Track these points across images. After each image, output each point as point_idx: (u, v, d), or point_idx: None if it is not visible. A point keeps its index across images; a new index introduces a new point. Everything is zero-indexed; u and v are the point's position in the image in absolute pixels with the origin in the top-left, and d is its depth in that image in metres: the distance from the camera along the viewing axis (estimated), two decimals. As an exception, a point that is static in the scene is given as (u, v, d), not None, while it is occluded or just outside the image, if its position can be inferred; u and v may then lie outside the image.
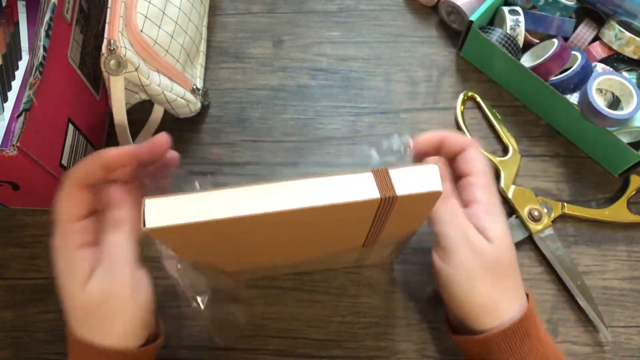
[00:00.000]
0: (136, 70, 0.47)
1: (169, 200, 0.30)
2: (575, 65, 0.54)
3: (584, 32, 0.57)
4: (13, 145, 0.40)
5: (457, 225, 0.38)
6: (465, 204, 0.40)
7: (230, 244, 0.35)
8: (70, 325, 0.36)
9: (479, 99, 0.58)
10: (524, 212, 0.53)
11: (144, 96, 0.55)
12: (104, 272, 0.35)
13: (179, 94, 0.52)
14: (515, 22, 0.56)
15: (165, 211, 0.30)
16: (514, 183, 0.54)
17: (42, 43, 0.43)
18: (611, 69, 0.56)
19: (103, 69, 0.45)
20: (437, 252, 0.39)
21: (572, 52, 0.55)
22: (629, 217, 0.53)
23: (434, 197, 0.31)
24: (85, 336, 0.35)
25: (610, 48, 0.56)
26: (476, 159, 0.40)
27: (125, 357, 0.36)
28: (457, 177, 0.41)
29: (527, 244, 0.53)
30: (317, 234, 0.36)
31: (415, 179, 0.30)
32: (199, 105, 0.55)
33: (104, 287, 0.35)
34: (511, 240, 0.39)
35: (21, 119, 0.40)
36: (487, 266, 0.37)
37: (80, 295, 0.35)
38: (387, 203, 0.31)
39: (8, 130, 0.48)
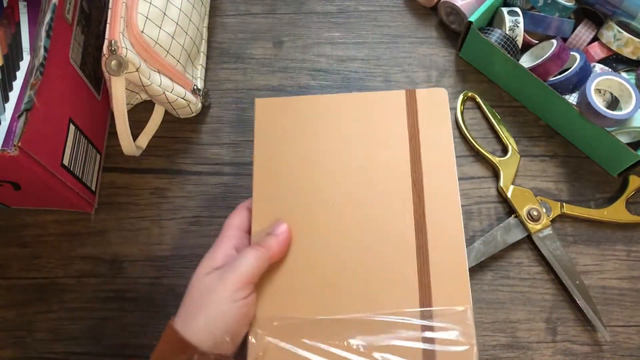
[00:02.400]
0: (137, 70, 0.47)
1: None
2: (574, 66, 0.54)
3: (583, 32, 0.57)
4: (14, 145, 0.40)
5: None
6: None
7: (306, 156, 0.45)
8: (177, 311, 0.40)
9: (478, 99, 0.58)
10: (523, 212, 0.53)
11: (144, 96, 0.55)
12: (223, 270, 0.39)
13: (179, 94, 0.52)
14: (514, 23, 0.56)
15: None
16: (513, 183, 0.54)
17: (42, 43, 0.43)
18: (610, 70, 0.56)
19: (104, 70, 0.46)
20: None
21: (571, 53, 0.55)
22: (628, 217, 0.54)
23: (442, 94, 0.46)
24: (178, 323, 0.38)
25: (609, 48, 0.56)
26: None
27: (194, 353, 0.37)
28: None
29: (526, 243, 0.53)
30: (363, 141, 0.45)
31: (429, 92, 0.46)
32: (199, 105, 0.56)
33: (216, 281, 0.38)
34: None
35: (22, 119, 0.40)
36: None
37: (201, 278, 0.39)
38: (411, 98, 0.46)
39: (9, 131, 0.48)
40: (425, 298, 0.40)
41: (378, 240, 0.42)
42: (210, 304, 0.38)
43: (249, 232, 0.43)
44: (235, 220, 0.43)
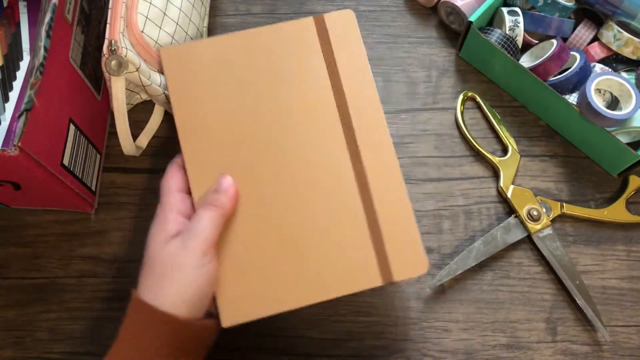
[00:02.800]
0: (137, 70, 0.47)
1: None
2: (574, 66, 0.54)
3: (583, 32, 0.57)
4: (14, 145, 0.40)
5: None
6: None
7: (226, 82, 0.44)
8: (138, 284, 0.39)
9: (478, 99, 0.58)
10: (523, 212, 0.53)
11: (144, 96, 0.55)
12: (182, 238, 0.39)
13: (179, 94, 0.52)
14: (514, 23, 0.56)
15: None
16: (513, 183, 0.54)
17: (42, 43, 0.43)
18: (610, 70, 0.56)
19: (104, 70, 0.46)
20: None
21: (571, 53, 0.55)
22: (628, 217, 0.54)
23: (349, 15, 0.46)
24: (145, 296, 0.38)
25: (609, 48, 0.56)
26: None
27: (173, 323, 0.37)
28: None
29: (526, 243, 0.53)
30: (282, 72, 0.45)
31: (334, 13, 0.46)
32: (199, 105, 0.56)
33: (178, 250, 0.38)
34: None
35: (22, 119, 0.40)
36: None
37: (160, 249, 0.39)
38: (320, 24, 0.46)
39: (9, 130, 0.48)
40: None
41: (318, 178, 0.43)
42: (178, 273, 0.38)
43: (188, 192, 0.42)
44: (172, 183, 0.42)
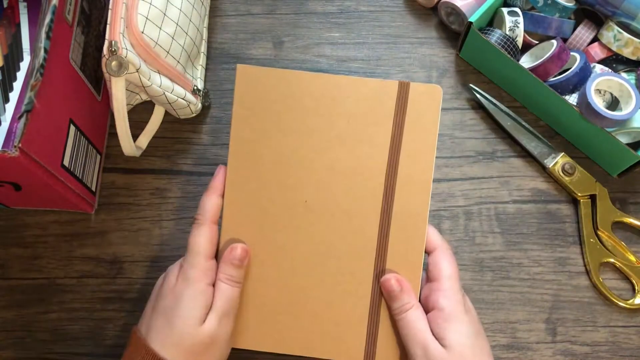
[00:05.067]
0: (137, 71, 0.47)
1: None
2: (574, 66, 0.54)
3: (583, 33, 0.57)
4: (15, 146, 0.40)
5: (416, 341, 0.40)
6: (429, 309, 0.42)
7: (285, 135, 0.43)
8: (149, 328, 0.40)
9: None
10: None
11: (144, 97, 0.55)
12: (218, 320, 0.40)
13: (179, 94, 0.52)
14: (514, 23, 0.56)
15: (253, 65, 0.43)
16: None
17: (42, 44, 0.43)
18: (610, 70, 0.56)
19: (104, 70, 0.46)
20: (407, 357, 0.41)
21: (571, 53, 0.55)
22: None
23: (436, 92, 0.43)
24: (158, 347, 0.39)
25: (609, 49, 0.56)
26: (442, 263, 0.42)
27: None
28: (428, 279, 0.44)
29: (526, 243, 0.53)
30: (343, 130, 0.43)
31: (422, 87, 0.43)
32: (199, 106, 0.56)
33: (216, 333, 0.40)
34: (475, 344, 0.40)
35: (22, 120, 0.40)
36: None
37: (194, 330, 0.39)
38: (403, 91, 0.43)
39: (10, 131, 0.48)
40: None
41: (341, 247, 0.43)
42: (215, 350, 0.41)
43: (214, 256, 0.43)
44: (205, 246, 0.42)
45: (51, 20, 0.44)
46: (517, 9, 0.57)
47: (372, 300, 0.43)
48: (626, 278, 0.52)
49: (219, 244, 0.43)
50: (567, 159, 0.55)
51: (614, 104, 0.54)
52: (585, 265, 0.53)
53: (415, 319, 0.41)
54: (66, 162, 0.48)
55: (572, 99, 0.55)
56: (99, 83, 0.55)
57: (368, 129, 0.43)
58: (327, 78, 0.43)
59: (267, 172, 0.43)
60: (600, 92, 0.55)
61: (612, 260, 0.52)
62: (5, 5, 0.52)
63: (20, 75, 0.50)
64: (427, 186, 0.43)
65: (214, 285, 0.41)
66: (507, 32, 0.56)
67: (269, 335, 0.43)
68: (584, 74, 0.54)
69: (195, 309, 0.40)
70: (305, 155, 0.43)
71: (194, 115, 0.56)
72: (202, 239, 0.41)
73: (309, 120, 0.43)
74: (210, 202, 0.42)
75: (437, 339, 0.40)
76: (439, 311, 0.40)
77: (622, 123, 0.51)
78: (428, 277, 0.43)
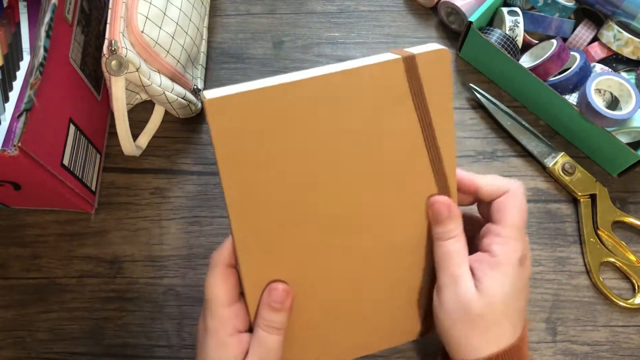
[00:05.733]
0: (137, 70, 0.47)
1: (226, 89, 0.34)
2: (574, 66, 0.54)
3: (583, 32, 0.57)
4: (14, 145, 0.40)
5: (449, 271, 0.37)
6: (481, 249, 0.39)
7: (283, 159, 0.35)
8: None
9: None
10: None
11: (144, 96, 0.55)
12: None
13: (179, 94, 0.52)
14: (514, 23, 0.56)
15: (221, 91, 0.33)
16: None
17: (42, 43, 0.43)
18: (610, 70, 0.56)
19: (104, 70, 0.46)
20: (435, 286, 0.39)
21: (571, 53, 0.55)
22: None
23: (445, 55, 0.37)
24: None
25: (609, 49, 0.56)
26: (509, 208, 0.38)
27: None
28: (488, 220, 0.40)
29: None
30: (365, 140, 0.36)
31: (425, 47, 0.37)
32: (199, 105, 0.56)
33: None
34: (511, 302, 0.37)
35: (22, 119, 0.40)
36: (469, 317, 0.36)
37: None
38: (411, 65, 0.35)
39: (9, 130, 0.48)
40: None
41: (387, 269, 0.39)
42: None
43: (240, 295, 0.38)
44: (221, 294, 0.37)
45: (51, 19, 0.44)
46: (517, 9, 0.57)
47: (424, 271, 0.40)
48: (626, 278, 0.52)
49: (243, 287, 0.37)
50: (567, 158, 0.55)
51: (614, 103, 0.54)
52: (585, 265, 0.53)
53: (454, 250, 0.37)
54: (66, 162, 0.48)
55: (572, 98, 0.55)
56: (99, 82, 0.55)
57: (384, 120, 0.36)
58: (315, 81, 0.34)
59: (275, 205, 0.35)
60: (600, 92, 0.55)
61: (612, 259, 0.52)
62: (5, 4, 0.52)
63: (20, 75, 0.50)
64: (454, 154, 0.38)
65: (243, 331, 0.37)
66: (507, 32, 0.56)
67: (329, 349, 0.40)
68: (584, 74, 0.54)
69: (224, 354, 0.36)
70: (318, 173, 0.35)
71: (194, 114, 0.56)
72: (218, 287, 0.36)
73: (309, 134, 0.35)
74: (222, 247, 0.38)
75: (474, 278, 0.37)
76: (489, 255, 0.37)
77: (622, 122, 0.51)
78: (492, 217, 0.39)
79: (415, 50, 0.36)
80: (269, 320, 0.36)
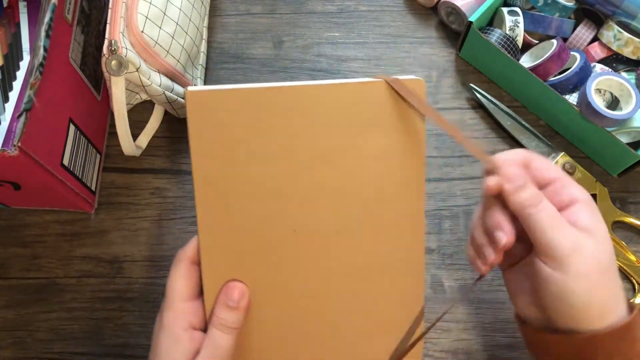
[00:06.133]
0: (137, 70, 0.47)
1: (212, 86, 0.35)
2: (574, 66, 0.54)
3: (583, 32, 0.57)
4: (14, 145, 0.40)
5: (564, 231, 0.34)
6: (562, 206, 0.36)
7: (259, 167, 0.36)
8: None
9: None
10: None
11: (144, 96, 0.55)
12: None
13: (179, 94, 0.52)
14: (514, 23, 0.56)
15: (206, 87, 0.35)
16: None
17: (42, 43, 0.43)
18: (610, 70, 0.56)
19: (104, 70, 0.46)
20: (546, 261, 0.35)
21: (571, 53, 0.55)
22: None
23: (420, 86, 0.36)
24: None
25: (609, 48, 0.56)
26: (575, 188, 0.36)
27: None
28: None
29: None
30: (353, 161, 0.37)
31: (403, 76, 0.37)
32: (199, 105, 0.56)
33: None
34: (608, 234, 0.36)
35: (22, 119, 0.40)
36: (602, 269, 0.34)
37: None
38: (391, 89, 0.36)
39: (9, 130, 0.48)
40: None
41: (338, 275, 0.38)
42: None
43: (199, 294, 0.38)
44: (180, 288, 0.37)
45: (50, 19, 0.44)
46: (517, 9, 0.57)
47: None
48: (626, 278, 0.52)
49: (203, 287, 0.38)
50: (567, 158, 0.55)
51: (614, 103, 0.54)
52: (585, 265, 0.53)
53: (551, 208, 0.35)
54: (66, 162, 0.48)
55: (572, 98, 0.55)
56: (99, 82, 0.55)
57: (358, 137, 0.36)
58: (297, 89, 0.35)
59: (243, 207, 0.36)
60: (600, 92, 0.55)
61: (612, 259, 0.52)
62: (5, 4, 0.52)
63: (20, 75, 0.50)
64: (422, 189, 0.38)
65: (198, 329, 0.37)
66: (507, 32, 0.56)
67: None
68: (584, 74, 0.54)
69: (173, 356, 0.36)
70: (289, 181, 0.36)
71: (194, 114, 0.56)
72: (178, 281, 0.37)
73: (283, 141, 0.36)
74: (191, 242, 0.38)
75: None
76: (578, 202, 0.36)
77: (622, 122, 0.51)
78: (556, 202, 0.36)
79: (394, 77, 0.37)
80: (224, 318, 0.36)
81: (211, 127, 0.35)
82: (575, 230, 0.34)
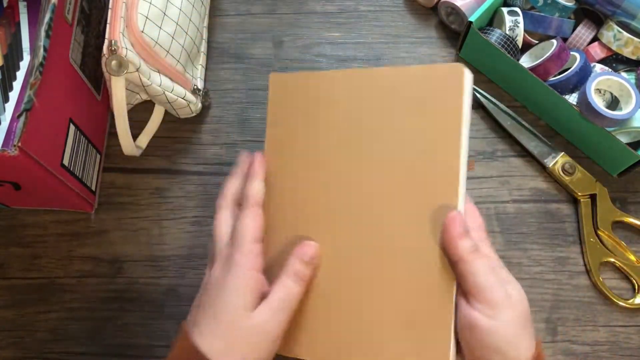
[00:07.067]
0: (137, 70, 0.47)
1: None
2: (574, 66, 0.54)
3: (583, 32, 0.57)
4: (14, 146, 0.40)
5: (500, 278, 0.36)
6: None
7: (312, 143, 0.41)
8: (198, 336, 0.36)
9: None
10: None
11: (144, 96, 0.55)
12: (271, 313, 0.37)
13: (179, 94, 0.52)
14: (514, 23, 0.56)
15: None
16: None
17: (42, 43, 0.43)
18: (610, 70, 0.56)
19: (104, 70, 0.46)
20: (480, 308, 0.35)
21: (571, 53, 0.55)
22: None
23: (468, 76, 0.38)
24: (206, 348, 0.35)
25: (609, 48, 0.56)
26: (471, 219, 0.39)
27: None
28: None
29: (525, 242, 0.53)
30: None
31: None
32: (199, 105, 0.56)
33: (267, 325, 0.37)
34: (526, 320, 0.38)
35: (22, 119, 0.40)
36: (525, 317, 0.37)
37: (240, 318, 0.36)
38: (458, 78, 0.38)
39: (9, 130, 0.48)
40: None
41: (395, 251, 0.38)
42: (265, 344, 0.37)
43: (262, 242, 0.39)
44: (252, 230, 0.38)
45: (51, 19, 0.44)
46: (517, 9, 0.57)
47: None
48: (626, 277, 0.52)
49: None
50: (567, 158, 0.55)
51: (614, 103, 0.54)
52: (585, 265, 0.53)
53: (490, 256, 0.38)
54: (66, 162, 0.48)
55: (572, 98, 0.55)
56: (99, 83, 0.55)
57: (405, 122, 0.39)
58: (360, 72, 0.40)
59: (308, 179, 0.41)
60: (600, 92, 0.55)
61: (612, 259, 0.52)
62: (5, 4, 0.52)
63: (20, 75, 0.50)
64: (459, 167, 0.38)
65: (261, 273, 0.38)
66: (507, 32, 0.56)
67: (322, 345, 0.39)
68: (584, 74, 0.54)
69: (243, 295, 0.37)
70: (347, 153, 0.40)
71: (194, 114, 0.56)
72: (249, 223, 0.38)
73: (343, 119, 0.40)
74: (254, 187, 0.40)
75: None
76: (490, 259, 0.38)
77: (622, 122, 0.51)
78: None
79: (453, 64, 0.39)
80: (297, 269, 0.38)
81: (285, 104, 0.42)
82: (502, 280, 0.37)
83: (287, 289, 0.38)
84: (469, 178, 0.56)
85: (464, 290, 0.36)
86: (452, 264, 0.36)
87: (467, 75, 0.38)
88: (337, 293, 0.39)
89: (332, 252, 0.40)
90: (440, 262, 0.37)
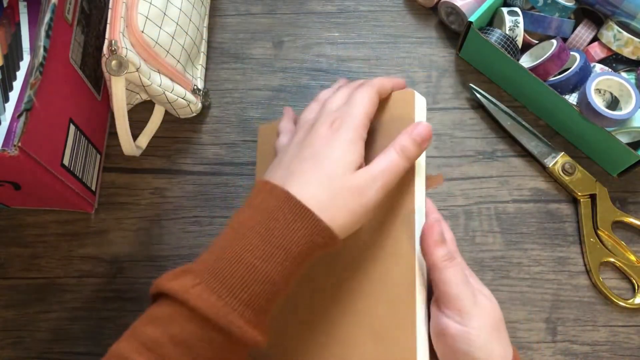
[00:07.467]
0: (137, 70, 0.47)
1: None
2: (574, 66, 0.54)
3: (583, 32, 0.57)
4: (14, 145, 0.40)
5: (469, 286, 0.37)
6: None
7: None
8: (292, 186, 0.35)
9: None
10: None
11: (144, 96, 0.55)
12: (372, 179, 0.36)
13: (179, 94, 0.52)
14: (514, 23, 0.56)
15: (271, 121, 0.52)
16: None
17: (42, 43, 0.43)
18: (610, 70, 0.56)
19: (104, 70, 0.46)
20: (451, 315, 0.36)
21: (571, 53, 0.55)
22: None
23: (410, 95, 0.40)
24: (307, 197, 0.35)
25: (609, 49, 0.56)
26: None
27: (330, 238, 0.35)
28: None
29: (525, 242, 0.53)
30: None
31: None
32: (199, 105, 0.56)
33: (367, 189, 0.36)
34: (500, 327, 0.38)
35: (22, 118, 0.40)
36: (497, 323, 0.37)
37: (344, 174, 0.36)
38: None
39: (9, 130, 0.48)
40: None
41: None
42: (360, 209, 0.36)
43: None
44: (366, 107, 0.38)
45: (51, 19, 0.44)
46: (517, 9, 0.57)
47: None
48: (626, 277, 0.52)
49: None
50: (567, 158, 0.55)
51: (614, 103, 0.54)
52: (585, 265, 0.53)
53: (462, 266, 0.38)
54: (66, 162, 0.48)
55: (572, 98, 0.55)
56: (99, 83, 0.55)
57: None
58: None
59: None
60: (600, 92, 0.55)
61: (612, 259, 0.52)
62: (5, 4, 0.52)
63: (20, 75, 0.50)
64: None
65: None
66: (507, 32, 0.56)
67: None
68: (583, 74, 0.54)
69: (352, 153, 0.36)
70: None
71: (194, 114, 0.56)
72: (365, 100, 0.38)
73: None
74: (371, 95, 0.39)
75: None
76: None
77: (622, 123, 0.51)
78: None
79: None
80: (405, 146, 0.37)
81: (272, 152, 0.42)
82: (473, 289, 0.37)
83: (390, 160, 0.37)
84: (470, 177, 0.56)
85: (436, 297, 0.37)
86: (428, 271, 0.37)
87: (419, 99, 0.40)
88: (310, 308, 0.41)
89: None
90: (403, 272, 0.38)
